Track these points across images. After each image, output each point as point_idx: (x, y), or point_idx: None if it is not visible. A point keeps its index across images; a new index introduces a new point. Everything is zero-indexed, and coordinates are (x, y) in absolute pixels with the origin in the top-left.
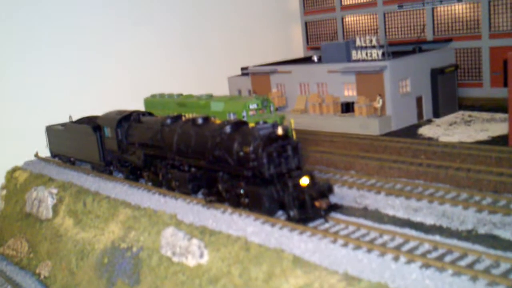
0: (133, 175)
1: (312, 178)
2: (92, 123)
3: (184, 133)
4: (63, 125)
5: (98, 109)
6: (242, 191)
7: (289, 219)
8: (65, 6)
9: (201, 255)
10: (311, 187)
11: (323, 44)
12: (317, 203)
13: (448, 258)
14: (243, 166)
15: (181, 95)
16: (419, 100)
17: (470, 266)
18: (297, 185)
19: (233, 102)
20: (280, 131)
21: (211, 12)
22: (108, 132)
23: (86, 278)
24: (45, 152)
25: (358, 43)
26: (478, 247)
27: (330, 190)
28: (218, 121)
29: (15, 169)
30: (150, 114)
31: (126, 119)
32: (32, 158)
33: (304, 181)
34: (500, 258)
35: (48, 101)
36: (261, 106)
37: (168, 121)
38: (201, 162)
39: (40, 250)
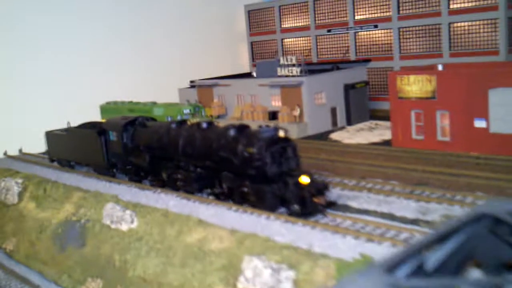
0: (137, 176)
1: (310, 177)
2: (96, 128)
3: (190, 136)
4: (65, 130)
5: (59, 117)
6: (246, 189)
7: (291, 214)
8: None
9: (132, 222)
10: (310, 185)
11: (258, 61)
12: (316, 199)
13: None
14: (248, 166)
15: (131, 102)
16: (333, 110)
17: (316, 221)
18: (297, 183)
19: (170, 108)
20: (281, 133)
21: (166, 31)
22: (113, 136)
23: (44, 247)
24: (13, 151)
25: (282, 61)
26: (330, 211)
27: (326, 188)
28: (220, 124)
29: None
30: (153, 119)
31: (131, 123)
32: (1, 156)
33: (305, 179)
34: (338, 216)
35: (16, 106)
36: (194, 111)
37: (173, 125)
38: (206, 163)
39: (7, 230)
